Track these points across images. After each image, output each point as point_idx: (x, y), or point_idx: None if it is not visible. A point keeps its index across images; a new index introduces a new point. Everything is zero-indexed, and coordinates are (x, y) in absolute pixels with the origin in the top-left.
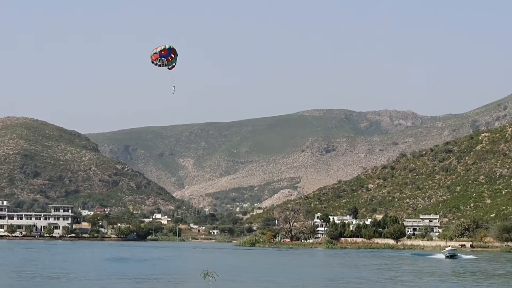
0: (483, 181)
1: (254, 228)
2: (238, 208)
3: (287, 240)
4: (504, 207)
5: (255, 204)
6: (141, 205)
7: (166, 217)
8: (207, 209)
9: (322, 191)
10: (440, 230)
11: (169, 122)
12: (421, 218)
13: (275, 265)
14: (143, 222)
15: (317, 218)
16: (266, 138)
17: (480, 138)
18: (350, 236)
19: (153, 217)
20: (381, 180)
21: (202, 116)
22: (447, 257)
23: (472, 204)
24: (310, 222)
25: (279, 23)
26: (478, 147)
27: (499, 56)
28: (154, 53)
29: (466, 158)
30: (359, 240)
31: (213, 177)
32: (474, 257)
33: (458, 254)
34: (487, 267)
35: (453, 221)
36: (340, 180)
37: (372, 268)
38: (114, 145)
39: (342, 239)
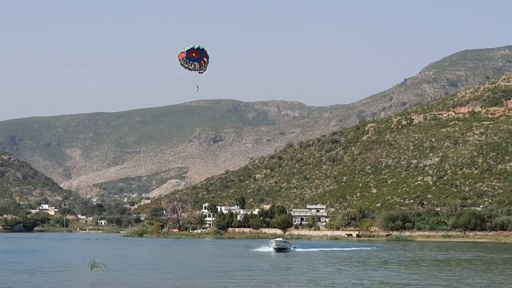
0: (369, 171)
1: (142, 218)
2: (125, 198)
3: (175, 230)
4: (389, 197)
5: (143, 195)
6: (28, 196)
7: (53, 208)
8: (95, 200)
9: (210, 181)
10: (327, 220)
11: (56, 113)
12: (308, 208)
13: (161, 255)
14: (29, 213)
15: (205, 208)
16: (153, 128)
17: (366, 128)
18: (238, 226)
19: (40, 208)
20: (269, 170)
21: (90, 106)
22: (276, 250)
23: (358, 194)
24: (198, 212)
25: (161, 9)
26: (364, 138)
27: (385, 48)
28: (182, 52)
29: (353, 148)
30: (246, 230)
31: (100, 168)
32: (304, 250)
33: (292, 247)
34: (297, 263)
35: (340, 210)
36: (228, 170)
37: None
38: (0, 136)
39: (230, 229)
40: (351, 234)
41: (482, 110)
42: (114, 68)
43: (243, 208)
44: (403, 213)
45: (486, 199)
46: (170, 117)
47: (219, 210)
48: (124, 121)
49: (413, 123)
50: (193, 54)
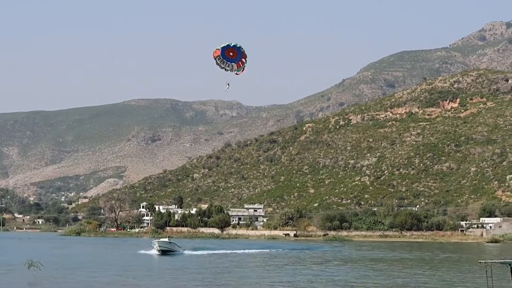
0: (307, 171)
1: (80, 217)
2: (63, 197)
3: (113, 229)
4: (327, 197)
5: (81, 194)
6: None
7: None
8: (32, 199)
9: (148, 180)
10: (265, 220)
11: None
12: (246, 208)
13: (98, 254)
14: None
15: (143, 207)
16: (91, 127)
17: (304, 128)
18: (176, 226)
19: None
20: (206, 170)
21: (28, 105)
22: (160, 252)
23: (296, 194)
24: (136, 211)
25: (97, 13)
26: (302, 138)
27: (323, 48)
28: (217, 48)
29: (290, 148)
30: (184, 229)
31: (38, 166)
32: (194, 252)
33: (181, 249)
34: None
35: (277, 210)
36: (166, 169)
37: None
38: None
39: (168, 228)
40: (288, 234)
41: (419, 111)
42: (52, 66)
43: (181, 208)
44: (341, 213)
45: (422, 199)
46: (108, 116)
47: (157, 209)
48: (62, 120)
49: (351, 123)
50: (231, 54)
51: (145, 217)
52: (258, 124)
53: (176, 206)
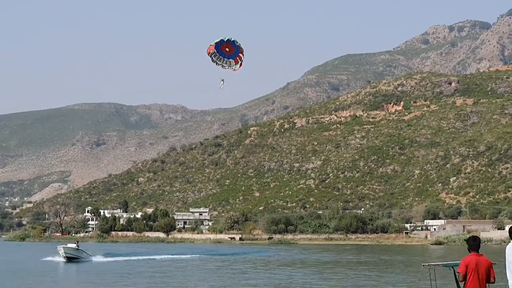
0: (252, 174)
1: (24, 222)
2: (7, 202)
3: (58, 234)
4: (272, 200)
5: (25, 198)
6: None
7: None
8: None
9: (93, 184)
10: (210, 223)
11: None
12: (191, 212)
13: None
14: None
15: (88, 212)
16: (35, 131)
17: (249, 132)
18: (121, 230)
19: None
20: (152, 174)
21: None
22: (65, 258)
23: (241, 197)
24: (81, 216)
25: (44, 15)
26: (247, 141)
27: (267, 52)
28: (211, 44)
29: (235, 151)
30: (130, 233)
31: None
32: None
33: (90, 256)
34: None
35: (223, 214)
36: (111, 173)
37: None
38: None
39: (113, 232)
40: (234, 238)
41: (364, 114)
42: None
43: (126, 212)
44: (286, 216)
45: (367, 202)
46: (52, 120)
47: (102, 213)
48: (5, 124)
49: (296, 126)
50: (227, 49)
51: (90, 222)
52: (203, 127)
53: (121, 211)
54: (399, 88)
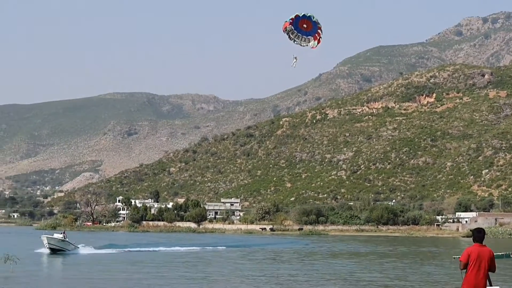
0: (284, 165)
1: (55, 211)
2: (39, 191)
3: (89, 223)
4: (303, 191)
5: (56, 188)
6: None
7: None
8: (7, 193)
9: (124, 174)
10: (241, 214)
11: None
12: (223, 202)
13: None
14: None
15: (119, 201)
16: (67, 120)
17: (281, 123)
18: (152, 220)
19: None
20: (183, 164)
21: (3, 98)
22: (50, 250)
23: (272, 188)
24: (112, 205)
25: (76, 5)
26: (279, 132)
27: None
28: (286, 21)
29: (267, 142)
30: (161, 223)
31: (13, 160)
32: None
33: (78, 247)
34: None
35: (254, 204)
36: (142, 163)
37: None
38: None
39: (144, 222)
40: (265, 228)
41: (396, 105)
42: (27, 59)
43: (157, 202)
44: (317, 207)
45: (398, 194)
46: (84, 110)
47: (133, 203)
48: (37, 113)
49: (328, 117)
50: (304, 26)
51: (121, 211)
52: (235, 118)
53: (153, 200)
54: (432, 80)
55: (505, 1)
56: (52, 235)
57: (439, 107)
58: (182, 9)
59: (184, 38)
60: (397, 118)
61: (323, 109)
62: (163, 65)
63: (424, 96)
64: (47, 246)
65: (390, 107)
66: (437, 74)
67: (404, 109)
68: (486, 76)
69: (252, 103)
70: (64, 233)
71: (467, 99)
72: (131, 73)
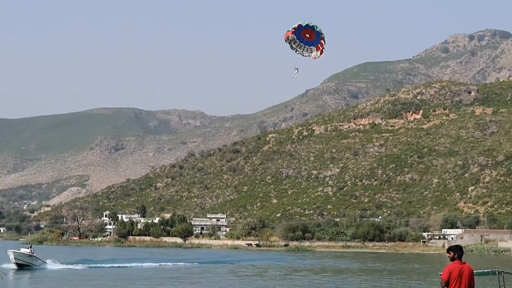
0: (270, 181)
1: (42, 226)
2: (25, 206)
3: (75, 238)
4: (289, 207)
5: (43, 202)
6: None
7: None
8: None
9: (111, 189)
10: (228, 229)
11: None
12: (209, 217)
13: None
14: None
15: (105, 216)
16: (55, 135)
17: (267, 139)
18: (139, 235)
19: None
20: (170, 179)
21: None
22: (16, 265)
23: (258, 204)
24: (99, 220)
25: (65, 21)
26: (265, 148)
27: (286, 58)
28: (288, 30)
29: (254, 158)
30: (147, 238)
31: (0, 175)
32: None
33: (45, 262)
34: None
35: (240, 220)
36: (129, 178)
37: None
38: None
39: (131, 237)
40: (251, 244)
41: (382, 122)
42: (15, 74)
43: (144, 217)
44: (303, 223)
45: (385, 210)
46: (71, 125)
47: (119, 218)
48: (25, 128)
49: (314, 134)
50: (307, 35)
51: (108, 226)
52: (221, 134)
53: (139, 215)
54: (418, 97)
55: (491, 19)
56: (19, 250)
57: (425, 123)
58: (168, 25)
59: (171, 53)
60: (384, 134)
61: (309, 125)
62: (150, 81)
63: (410, 112)
64: (14, 262)
65: (377, 123)
66: (424, 90)
67: (391, 126)
68: (473, 93)
69: (239, 119)
70: (31, 247)
71: (453, 116)
72: (119, 88)
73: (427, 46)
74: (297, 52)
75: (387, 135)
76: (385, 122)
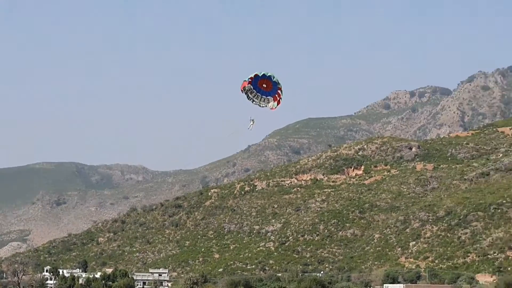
0: (212, 236)
1: None
2: None
3: None
4: (232, 262)
5: None
6: None
7: None
8: None
9: (52, 244)
10: (170, 284)
11: None
12: (151, 272)
13: None
14: None
15: (47, 271)
16: None
17: (209, 194)
18: None
19: None
20: (112, 234)
21: None
22: None
23: (201, 259)
24: (39, 275)
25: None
26: (208, 203)
27: (228, 114)
28: (245, 80)
29: (196, 213)
30: None
31: None
32: None
33: None
34: None
35: (182, 275)
36: (71, 233)
37: None
38: None
39: None
40: None
41: (324, 177)
42: None
43: (86, 272)
44: (245, 278)
45: (327, 265)
46: (13, 179)
47: (61, 273)
48: None
49: (256, 189)
50: (264, 85)
51: (49, 281)
52: (163, 188)
53: (81, 270)
54: (360, 152)
55: (432, 76)
56: None
57: (367, 179)
58: (113, 79)
59: (114, 108)
60: (326, 190)
61: (251, 181)
62: (93, 136)
63: (352, 168)
64: None
65: (318, 179)
66: (365, 146)
67: (333, 181)
68: (414, 149)
69: (181, 174)
70: None
71: (394, 172)
72: (60, 143)
73: (368, 102)
74: (253, 102)
75: (329, 190)
76: (326, 178)
